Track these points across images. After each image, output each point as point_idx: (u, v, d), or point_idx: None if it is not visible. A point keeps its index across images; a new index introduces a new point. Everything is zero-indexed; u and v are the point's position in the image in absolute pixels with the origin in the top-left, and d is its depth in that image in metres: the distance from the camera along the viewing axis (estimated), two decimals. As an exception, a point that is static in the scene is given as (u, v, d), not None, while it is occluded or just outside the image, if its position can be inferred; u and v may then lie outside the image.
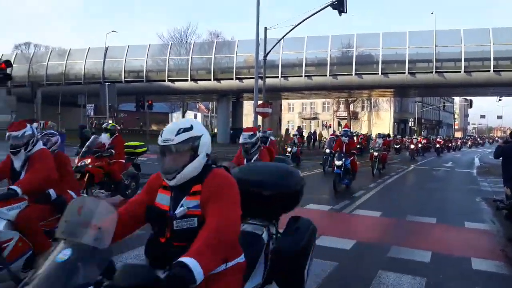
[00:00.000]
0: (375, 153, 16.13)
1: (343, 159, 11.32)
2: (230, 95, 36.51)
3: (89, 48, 37.06)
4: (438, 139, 37.01)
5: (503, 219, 8.05)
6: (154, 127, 62.57)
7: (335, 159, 11.49)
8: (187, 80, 33.50)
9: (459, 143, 50.74)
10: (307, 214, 8.37)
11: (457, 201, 10.88)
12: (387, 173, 16.83)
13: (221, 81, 32.97)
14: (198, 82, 33.60)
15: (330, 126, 50.36)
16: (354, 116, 58.13)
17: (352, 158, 11.79)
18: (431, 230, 7.35)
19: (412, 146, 26.79)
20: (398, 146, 31.90)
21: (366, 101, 59.93)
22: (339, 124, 54.32)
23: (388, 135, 25.54)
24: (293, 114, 68.34)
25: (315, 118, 65.95)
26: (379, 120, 60.20)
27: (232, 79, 32.39)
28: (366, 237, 6.63)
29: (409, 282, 4.70)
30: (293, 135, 19.65)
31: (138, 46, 35.82)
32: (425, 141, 35.28)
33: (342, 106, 57.22)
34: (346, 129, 12.83)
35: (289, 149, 18.86)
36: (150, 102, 26.09)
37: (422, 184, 14.61)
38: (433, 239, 6.71)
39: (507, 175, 8.22)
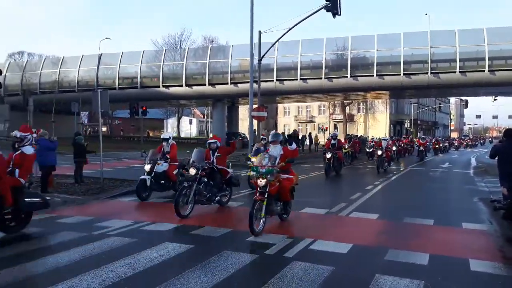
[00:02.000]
0: (260, 182, 6.91)
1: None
2: (225, 99, 36.45)
3: (82, 55, 36.96)
4: (420, 140, 30.37)
5: (501, 219, 7.96)
6: (150, 133, 62.41)
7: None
8: (181, 86, 33.44)
9: (446, 144, 44.22)
10: (304, 218, 8.34)
11: (454, 202, 10.80)
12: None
13: (216, 86, 32.92)
14: (193, 87, 33.54)
15: (326, 129, 50.36)
16: (350, 118, 58.22)
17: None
18: (429, 232, 7.25)
19: (380, 152, 18.50)
20: (371, 150, 24.44)
21: (362, 104, 60.08)
22: (335, 127, 54.33)
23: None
24: (289, 118, 68.40)
25: (311, 121, 65.99)
26: (375, 122, 60.33)
27: (227, 83, 32.35)
28: (363, 240, 6.53)
29: (407, 286, 4.60)
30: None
31: (132, 53, 35.76)
32: (400, 142, 29.37)
33: (337, 109, 57.33)
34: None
35: None
36: (144, 108, 25.92)
37: (419, 185, 14.52)
38: (430, 241, 6.61)
39: (503, 175, 8.14)
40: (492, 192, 11.68)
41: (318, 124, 61.78)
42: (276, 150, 7.59)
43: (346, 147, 21.84)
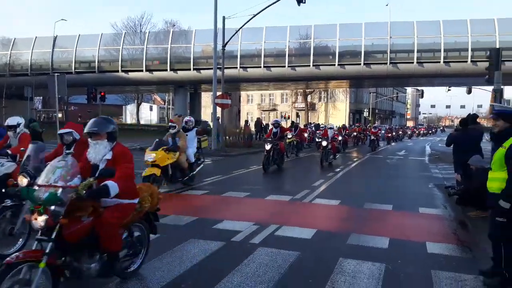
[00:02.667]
0: (35, 223, 3.34)
1: None
2: (188, 86, 35.83)
3: (36, 37, 35.01)
4: (372, 129, 29.17)
5: (454, 204, 8.40)
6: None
7: None
8: (142, 71, 32.49)
9: (400, 133, 44.64)
10: (268, 204, 8.42)
11: (411, 188, 11.26)
12: None
13: (178, 72, 32.23)
14: (154, 72, 32.69)
15: (288, 117, 50.87)
16: (311, 107, 59.10)
17: None
18: (388, 217, 7.55)
19: (325, 143, 15.85)
20: (320, 140, 19.41)
21: (323, 92, 61.07)
22: (297, 115, 55.04)
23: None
24: (252, 106, 68.46)
25: (274, 110, 66.42)
26: (335, 110, 61.59)
27: (189, 69, 31.75)
28: (326, 226, 6.70)
29: (369, 268, 4.77)
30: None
31: (89, 36, 34.30)
32: (346, 131, 26.55)
33: (300, 98, 57.98)
34: None
35: None
36: (102, 93, 24.92)
37: (378, 172, 15.01)
38: (390, 226, 6.88)
39: (458, 162, 8.58)
40: (446, 179, 12.29)
41: (281, 112, 62.36)
42: (97, 151, 3.95)
43: (290, 136, 19.30)
